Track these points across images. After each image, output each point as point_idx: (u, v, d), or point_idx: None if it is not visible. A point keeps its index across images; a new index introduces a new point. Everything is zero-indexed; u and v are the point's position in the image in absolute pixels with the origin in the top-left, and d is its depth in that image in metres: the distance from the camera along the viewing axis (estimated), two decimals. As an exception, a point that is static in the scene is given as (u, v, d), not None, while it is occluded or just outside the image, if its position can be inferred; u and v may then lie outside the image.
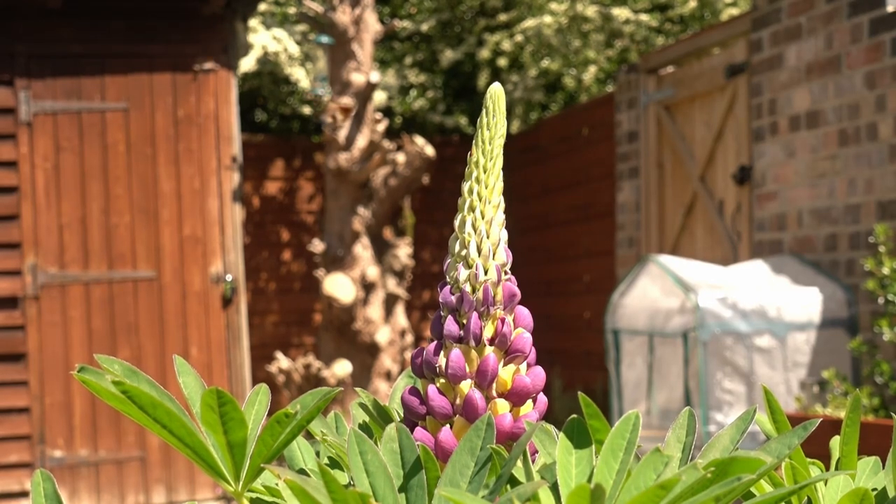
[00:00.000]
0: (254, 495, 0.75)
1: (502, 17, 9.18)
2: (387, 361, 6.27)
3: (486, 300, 0.76)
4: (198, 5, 5.69)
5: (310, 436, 0.82)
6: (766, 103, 5.52)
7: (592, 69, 8.97)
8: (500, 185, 0.78)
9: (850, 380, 4.73)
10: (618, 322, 5.32)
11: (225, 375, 5.73)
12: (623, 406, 5.31)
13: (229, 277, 5.73)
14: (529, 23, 8.74)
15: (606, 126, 7.41)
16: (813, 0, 5.16)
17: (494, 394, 0.77)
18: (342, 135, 6.16)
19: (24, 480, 5.52)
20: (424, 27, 9.24)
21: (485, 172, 0.77)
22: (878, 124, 4.77)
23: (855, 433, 0.80)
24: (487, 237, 0.77)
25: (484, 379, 0.76)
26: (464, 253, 0.77)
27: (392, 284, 6.36)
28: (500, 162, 0.78)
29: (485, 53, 8.97)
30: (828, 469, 0.81)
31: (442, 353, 0.77)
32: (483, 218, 0.77)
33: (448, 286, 0.78)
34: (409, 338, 6.48)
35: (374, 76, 6.14)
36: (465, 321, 0.77)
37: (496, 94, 0.78)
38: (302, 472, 0.79)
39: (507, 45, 8.91)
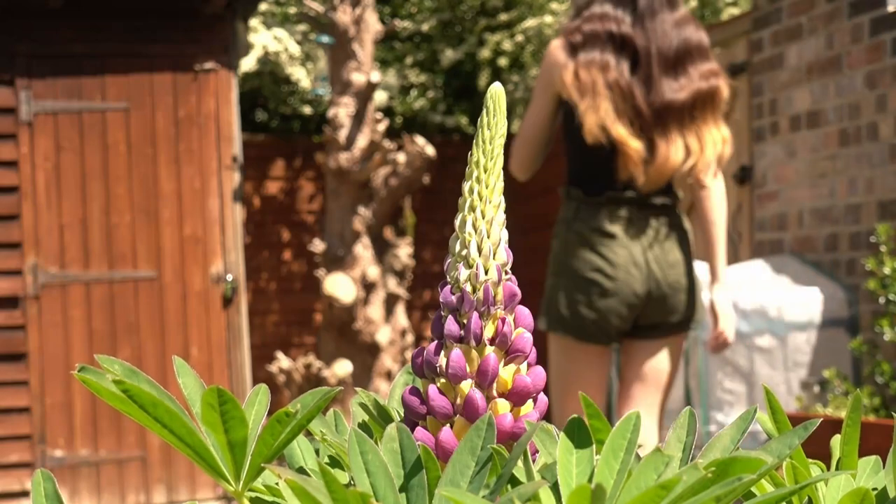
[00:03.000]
0: (254, 495, 0.75)
1: (503, 17, 9.18)
2: (387, 361, 6.26)
3: (487, 300, 0.76)
4: (198, 5, 5.68)
5: (310, 435, 0.82)
6: (766, 103, 5.52)
7: (593, 69, 8.94)
8: (500, 184, 0.78)
9: (851, 380, 4.73)
10: (618, 322, 5.31)
11: (225, 375, 5.73)
12: (624, 406, 5.31)
13: (230, 277, 5.73)
14: (530, 22, 8.73)
15: (607, 126, 7.39)
16: (813, 0, 5.16)
17: (495, 394, 0.77)
18: (343, 135, 6.16)
19: (24, 480, 5.52)
20: (425, 27, 9.24)
21: (485, 172, 0.77)
22: (879, 124, 4.77)
23: (856, 433, 0.80)
24: (488, 237, 0.77)
25: (484, 379, 0.76)
26: (464, 253, 0.77)
27: (393, 284, 6.36)
28: (500, 162, 0.77)
29: (485, 53, 8.97)
30: (828, 469, 0.81)
31: (442, 352, 0.77)
32: (484, 217, 0.77)
33: (448, 286, 0.78)
34: (410, 338, 6.48)
35: (375, 76, 6.14)
36: (465, 321, 0.77)
37: (497, 94, 0.78)
38: (302, 471, 0.79)
39: (507, 45, 8.90)
